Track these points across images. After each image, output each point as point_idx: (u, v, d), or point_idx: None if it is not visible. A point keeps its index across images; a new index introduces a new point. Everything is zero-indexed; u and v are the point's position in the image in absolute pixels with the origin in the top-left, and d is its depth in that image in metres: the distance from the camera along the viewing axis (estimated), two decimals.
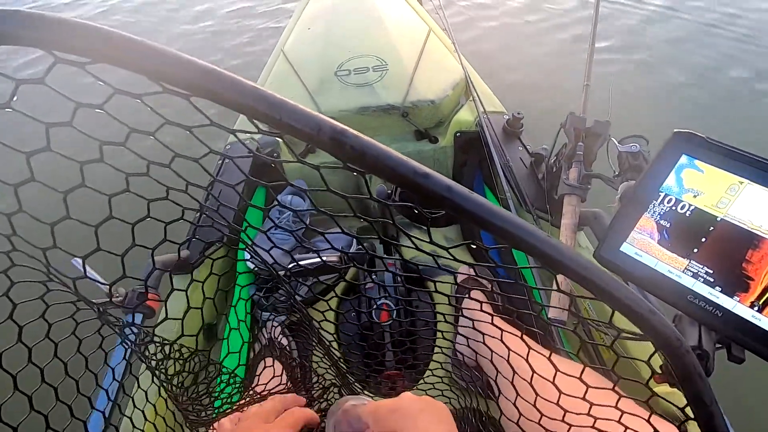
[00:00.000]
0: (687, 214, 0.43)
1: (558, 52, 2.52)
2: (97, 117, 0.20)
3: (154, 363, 0.41)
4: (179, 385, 0.45)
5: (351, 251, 0.92)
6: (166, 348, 0.43)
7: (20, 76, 0.16)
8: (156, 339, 0.42)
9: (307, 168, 0.30)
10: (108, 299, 0.67)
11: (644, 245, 0.45)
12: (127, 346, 0.41)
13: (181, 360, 0.45)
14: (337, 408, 0.39)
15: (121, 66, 0.14)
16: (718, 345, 0.45)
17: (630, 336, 0.33)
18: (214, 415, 0.48)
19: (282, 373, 0.64)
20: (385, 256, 0.95)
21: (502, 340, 0.43)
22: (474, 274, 0.86)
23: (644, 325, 0.21)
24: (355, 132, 0.16)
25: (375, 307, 0.82)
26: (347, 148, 0.15)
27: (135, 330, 0.39)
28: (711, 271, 0.42)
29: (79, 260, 0.45)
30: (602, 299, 0.20)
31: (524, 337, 0.42)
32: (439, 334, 0.62)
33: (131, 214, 0.26)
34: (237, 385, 0.55)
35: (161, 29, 3.10)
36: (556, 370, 0.34)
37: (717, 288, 0.41)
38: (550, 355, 0.36)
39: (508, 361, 0.44)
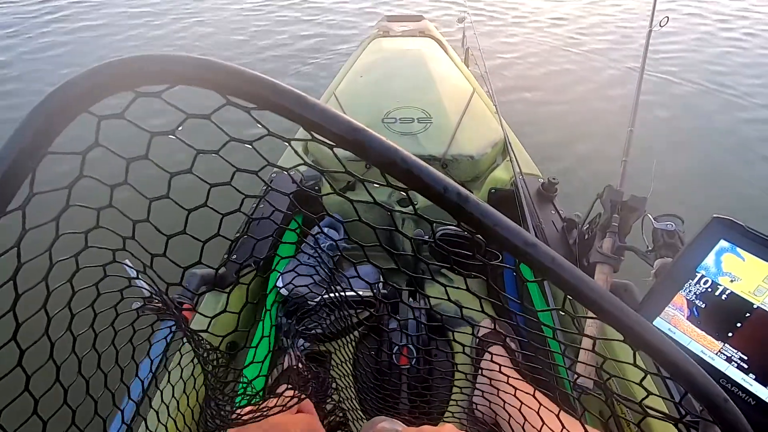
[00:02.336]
0: (723, 298, 0.44)
1: (600, 123, 2.56)
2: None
3: (200, 351, 0.43)
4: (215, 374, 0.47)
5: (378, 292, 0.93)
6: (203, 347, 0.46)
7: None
8: (200, 337, 0.44)
9: (346, 204, 0.32)
10: (144, 304, 0.71)
11: (676, 321, 0.46)
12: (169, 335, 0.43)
13: (214, 360, 0.47)
14: (370, 426, 0.40)
15: (285, 116, 0.17)
16: None
17: (658, 415, 0.33)
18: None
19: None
20: (411, 302, 0.96)
21: (533, 406, 0.44)
22: (496, 329, 0.86)
23: (715, 412, 0.21)
24: (476, 198, 0.18)
25: (396, 349, 0.82)
26: (466, 212, 0.18)
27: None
28: (745, 357, 0.42)
29: (134, 269, 0.49)
30: (676, 379, 0.21)
31: (543, 398, 0.42)
32: (456, 385, 0.62)
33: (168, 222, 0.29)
34: (256, 398, 0.56)
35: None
36: None
37: (751, 375, 0.41)
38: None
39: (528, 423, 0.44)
